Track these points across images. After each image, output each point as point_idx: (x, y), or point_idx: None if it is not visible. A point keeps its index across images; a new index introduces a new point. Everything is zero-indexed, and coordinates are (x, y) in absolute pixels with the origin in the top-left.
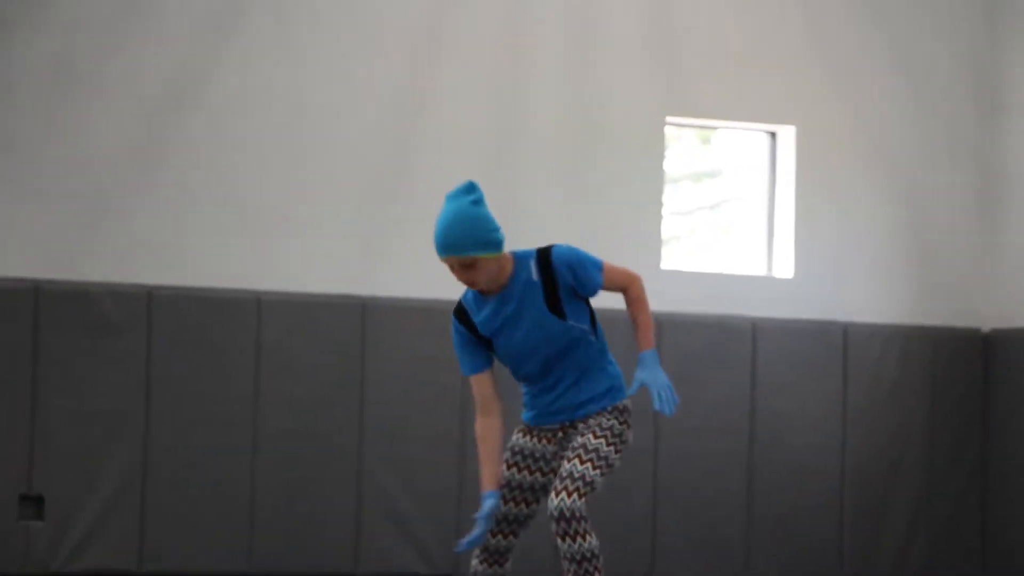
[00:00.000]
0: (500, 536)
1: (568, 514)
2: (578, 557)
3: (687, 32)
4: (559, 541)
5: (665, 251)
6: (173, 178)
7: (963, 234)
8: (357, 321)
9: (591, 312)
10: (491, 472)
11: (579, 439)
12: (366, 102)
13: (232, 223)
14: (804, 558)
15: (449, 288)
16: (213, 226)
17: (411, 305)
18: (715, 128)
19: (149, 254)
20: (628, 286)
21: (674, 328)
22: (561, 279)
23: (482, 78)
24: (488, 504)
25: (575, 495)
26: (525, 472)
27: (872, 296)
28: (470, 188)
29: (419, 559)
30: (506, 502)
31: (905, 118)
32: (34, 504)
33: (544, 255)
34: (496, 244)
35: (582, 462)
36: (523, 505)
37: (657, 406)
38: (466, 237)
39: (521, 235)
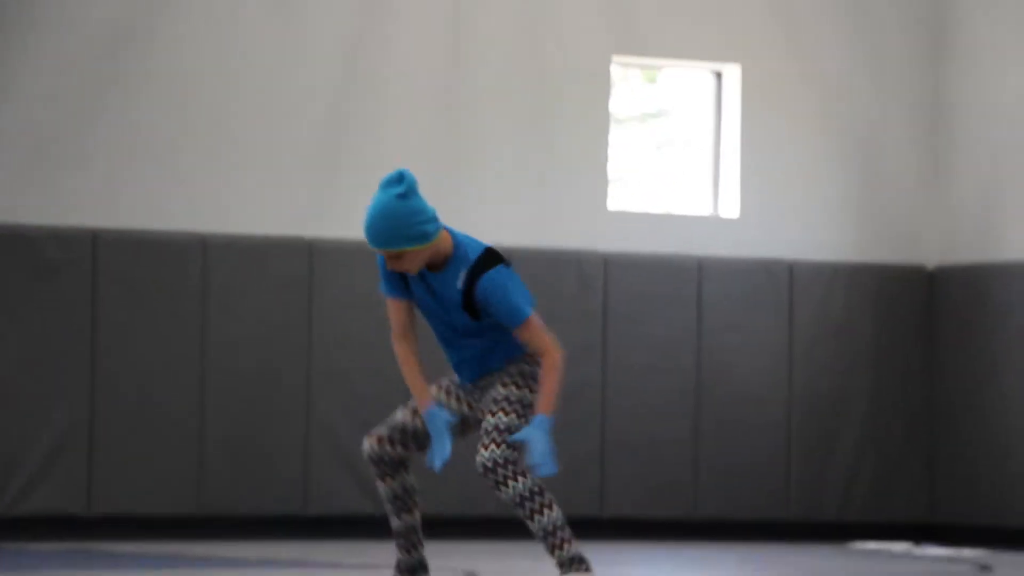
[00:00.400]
0: (396, 446)
1: (490, 465)
2: (516, 500)
3: None
4: (496, 493)
5: (612, 191)
6: (117, 120)
7: (909, 172)
8: (304, 262)
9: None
10: (423, 389)
11: (490, 393)
12: (315, 41)
13: (177, 165)
14: (752, 495)
15: None
16: (158, 168)
17: (356, 247)
18: (661, 67)
19: (92, 197)
20: (543, 355)
21: (621, 268)
22: (478, 304)
23: (431, 19)
24: (441, 417)
25: (492, 446)
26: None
27: (817, 234)
28: (399, 179)
29: (368, 499)
30: (414, 416)
31: (851, 57)
32: None
33: (474, 276)
34: (423, 237)
35: (493, 414)
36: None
37: (530, 462)
38: (391, 232)
39: (469, 177)
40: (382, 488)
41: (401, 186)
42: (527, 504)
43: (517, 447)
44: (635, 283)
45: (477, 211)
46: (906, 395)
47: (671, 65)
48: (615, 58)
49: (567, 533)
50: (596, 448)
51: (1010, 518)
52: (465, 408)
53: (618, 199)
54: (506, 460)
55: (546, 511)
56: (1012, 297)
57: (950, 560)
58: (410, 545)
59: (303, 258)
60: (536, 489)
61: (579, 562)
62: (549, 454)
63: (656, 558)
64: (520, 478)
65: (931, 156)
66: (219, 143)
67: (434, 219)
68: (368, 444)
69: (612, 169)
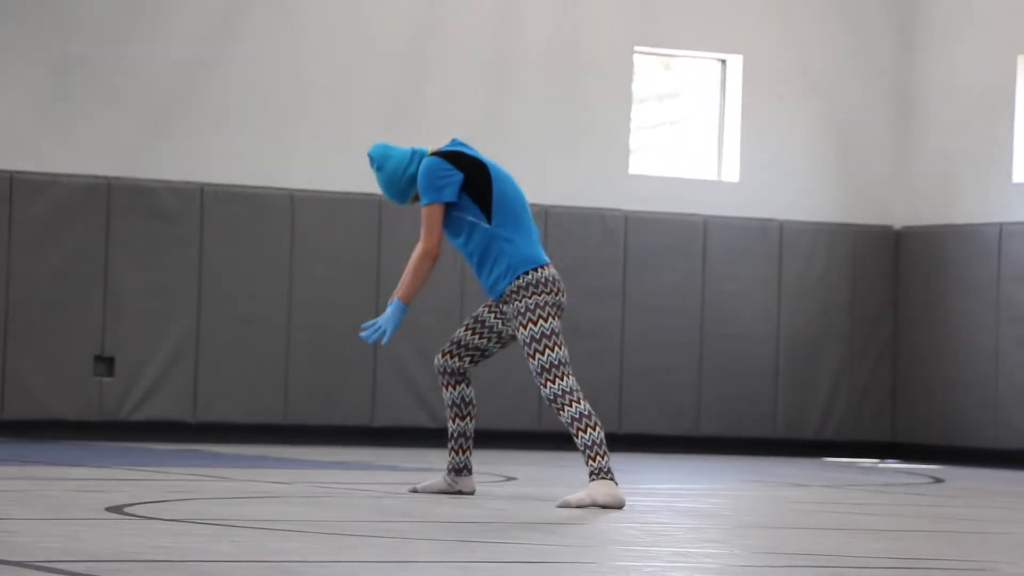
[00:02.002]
0: (454, 358)
1: (551, 398)
2: (568, 420)
3: None
4: (558, 416)
5: (632, 159)
6: (218, 95)
7: (881, 144)
8: (375, 214)
9: (484, 201)
10: (415, 290)
11: (516, 333)
12: (383, 28)
13: (269, 132)
14: (745, 416)
15: None
16: (254, 134)
17: None
18: (675, 56)
19: (201, 156)
20: (420, 241)
21: (639, 223)
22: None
23: (482, 12)
24: (396, 315)
25: (546, 384)
26: (475, 335)
27: (804, 198)
28: (371, 162)
29: (424, 412)
30: (470, 333)
31: (835, 45)
32: (106, 364)
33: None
34: (409, 186)
35: (528, 356)
36: (476, 345)
37: (363, 336)
38: (396, 195)
39: (513, 146)
40: (445, 394)
41: (374, 165)
42: (575, 424)
43: (564, 375)
44: (650, 237)
45: (518, 175)
46: (875, 336)
47: (683, 55)
48: (636, 48)
49: (603, 449)
50: (616, 375)
51: (960, 439)
52: (490, 341)
53: (637, 165)
54: (562, 391)
55: (590, 431)
56: (966, 254)
57: (909, 473)
58: (459, 448)
59: (374, 211)
60: (586, 412)
61: (607, 472)
62: (378, 329)
63: (666, 467)
64: (574, 404)
65: (900, 133)
66: (302, 116)
67: (411, 163)
68: (436, 358)
69: (633, 140)
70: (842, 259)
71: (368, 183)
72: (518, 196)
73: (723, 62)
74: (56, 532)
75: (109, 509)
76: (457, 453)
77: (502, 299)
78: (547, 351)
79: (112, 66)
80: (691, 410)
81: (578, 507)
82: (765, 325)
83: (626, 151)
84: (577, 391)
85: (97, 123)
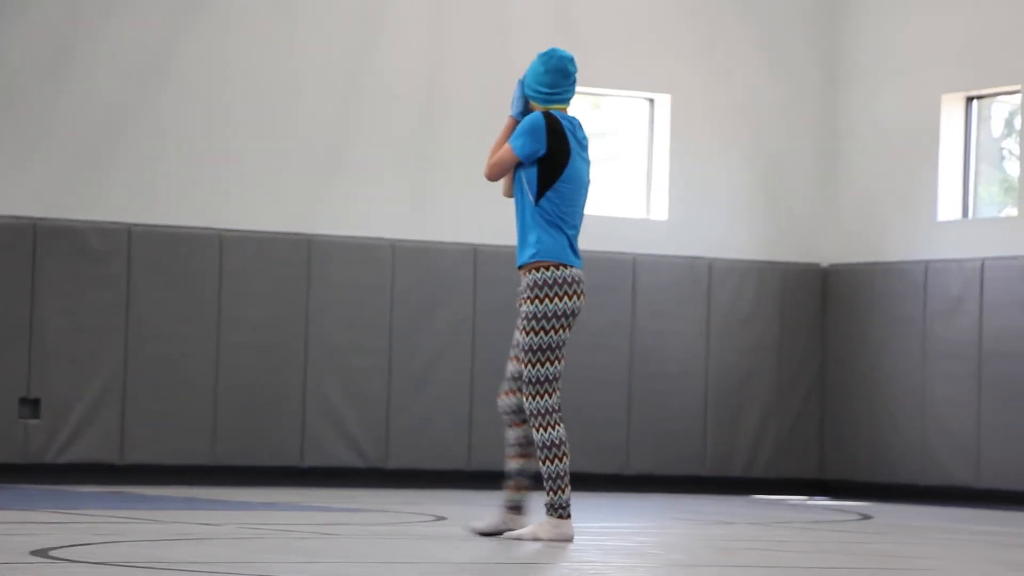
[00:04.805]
0: (514, 394)
1: (531, 412)
2: (540, 444)
3: (584, 18)
4: (532, 433)
5: None
6: (147, 136)
7: (809, 182)
8: (304, 254)
9: (544, 182)
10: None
11: (519, 334)
12: (316, 58)
13: (198, 171)
14: (675, 454)
15: (384, 228)
16: (182, 173)
17: (347, 241)
18: (604, 95)
19: (128, 197)
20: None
21: None
22: None
23: (414, 48)
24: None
25: (528, 398)
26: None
27: (733, 236)
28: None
29: (352, 453)
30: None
31: (762, 86)
32: (31, 405)
33: None
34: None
35: (524, 363)
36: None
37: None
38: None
39: (442, 182)
40: (509, 434)
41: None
42: (545, 451)
43: (552, 389)
44: None
45: (448, 212)
46: (803, 373)
47: (612, 94)
48: None
49: (565, 482)
50: None
51: (887, 476)
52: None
53: None
54: (545, 410)
55: (557, 462)
56: (892, 291)
57: (837, 510)
58: (520, 486)
59: (303, 251)
60: (558, 440)
61: (563, 508)
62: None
63: (596, 505)
64: (551, 428)
65: (827, 172)
66: (230, 156)
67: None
68: (498, 400)
69: None
70: (770, 297)
71: (298, 223)
72: (577, 196)
73: (651, 101)
74: None
75: (34, 553)
76: (516, 491)
77: (520, 292)
78: (545, 364)
79: (39, 106)
80: (620, 448)
81: (524, 540)
82: (694, 363)
83: None
84: (558, 412)
85: (23, 164)
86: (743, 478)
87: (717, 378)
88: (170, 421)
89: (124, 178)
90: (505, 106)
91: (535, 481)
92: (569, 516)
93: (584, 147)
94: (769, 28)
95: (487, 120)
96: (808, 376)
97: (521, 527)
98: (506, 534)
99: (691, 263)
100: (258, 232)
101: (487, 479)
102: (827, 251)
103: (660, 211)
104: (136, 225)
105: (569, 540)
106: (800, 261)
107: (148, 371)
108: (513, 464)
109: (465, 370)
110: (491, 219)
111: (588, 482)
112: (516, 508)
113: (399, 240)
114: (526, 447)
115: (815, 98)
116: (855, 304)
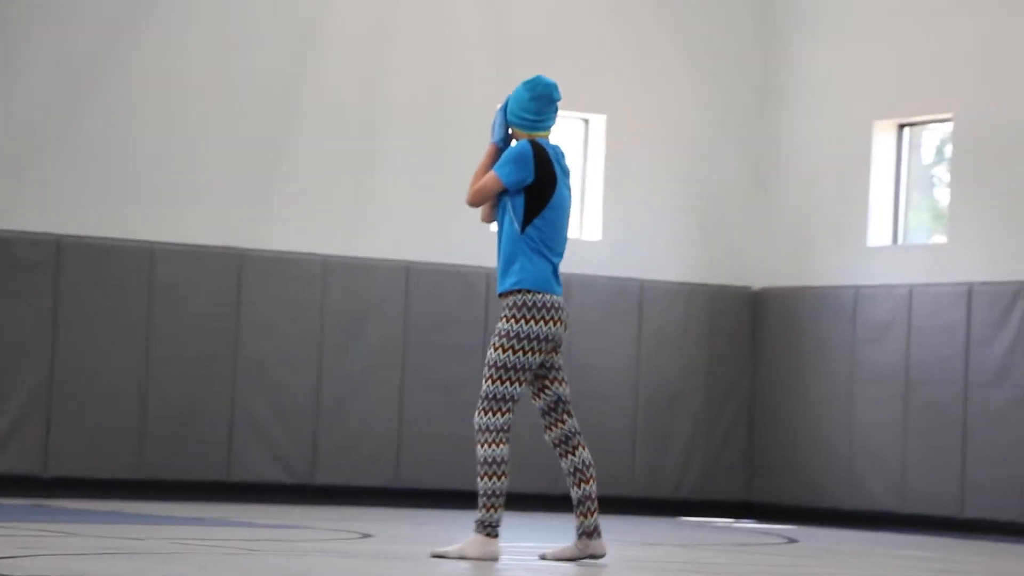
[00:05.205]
0: (557, 423)
1: (476, 427)
2: (480, 459)
3: (517, 39)
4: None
5: None
6: (79, 146)
7: (740, 207)
8: (235, 268)
9: (530, 211)
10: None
11: (489, 347)
12: (256, 73)
13: (129, 183)
14: (603, 474)
15: (315, 244)
16: (113, 185)
17: (280, 257)
18: None
19: (58, 207)
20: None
21: None
22: None
23: (353, 73)
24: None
25: (478, 412)
26: (543, 391)
27: (664, 258)
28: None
29: (280, 468)
30: (544, 392)
31: (696, 110)
32: None
33: None
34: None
35: (483, 376)
36: (551, 394)
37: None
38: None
39: (377, 200)
40: (563, 464)
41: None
42: (484, 467)
43: (503, 416)
44: None
45: (382, 230)
46: (732, 395)
47: None
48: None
49: (499, 502)
50: (470, 434)
51: (814, 500)
52: (552, 380)
53: None
54: (491, 427)
55: (494, 479)
56: (822, 316)
57: (764, 533)
58: (586, 511)
59: (233, 264)
60: (499, 459)
61: (493, 527)
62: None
63: (523, 525)
64: (494, 446)
65: (758, 196)
66: (161, 168)
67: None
68: (544, 437)
69: None
70: (700, 319)
71: (230, 237)
72: (561, 224)
73: (586, 121)
74: None
75: None
76: (585, 517)
77: (502, 308)
78: (501, 383)
79: None
80: (549, 467)
81: (451, 558)
82: (624, 384)
83: None
84: (505, 432)
85: None
86: (671, 499)
87: (647, 399)
88: (96, 434)
89: (54, 189)
90: (441, 123)
91: (599, 504)
92: (497, 536)
93: (567, 174)
94: (703, 53)
95: (422, 137)
96: (737, 399)
97: (600, 551)
98: (432, 549)
99: (623, 284)
100: (189, 245)
101: (414, 497)
102: (758, 275)
103: (593, 231)
104: (66, 236)
105: (495, 559)
106: (731, 284)
107: (74, 383)
108: (575, 491)
109: (394, 387)
110: (423, 236)
111: (517, 502)
112: (589, 533)
113: (331, 256)
114: (585, 472)
115: (748, 123)
116: (785, 328)
